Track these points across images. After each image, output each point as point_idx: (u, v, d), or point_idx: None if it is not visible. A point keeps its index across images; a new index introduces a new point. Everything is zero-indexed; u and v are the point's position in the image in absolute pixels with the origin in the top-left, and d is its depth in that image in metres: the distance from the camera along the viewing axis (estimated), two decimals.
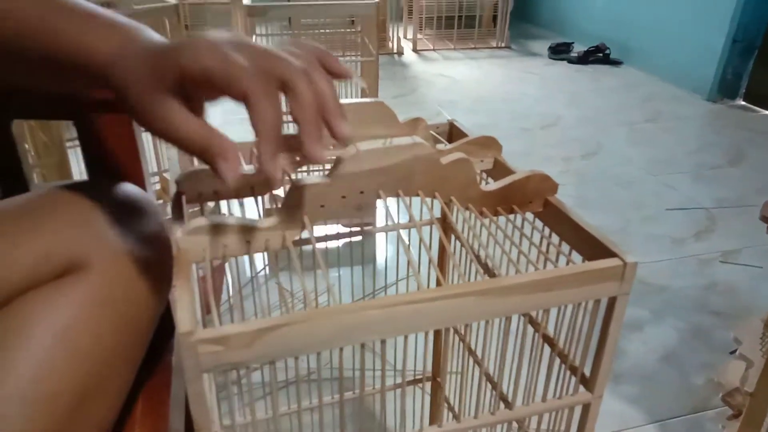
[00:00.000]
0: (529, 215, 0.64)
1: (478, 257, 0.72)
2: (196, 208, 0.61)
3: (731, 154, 2.60)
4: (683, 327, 1.53)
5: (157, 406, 0.60)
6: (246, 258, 0.55)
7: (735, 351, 1.15)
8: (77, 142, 0.62)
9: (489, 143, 0.71)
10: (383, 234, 0.86)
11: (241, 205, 0.64)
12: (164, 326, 0.61)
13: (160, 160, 1.73)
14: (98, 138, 0.62)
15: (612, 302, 0.55)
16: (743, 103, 3.24)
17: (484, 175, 0.73)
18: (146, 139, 1.60)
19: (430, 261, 0.58)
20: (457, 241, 0.82)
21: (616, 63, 4.04)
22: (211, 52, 0.40)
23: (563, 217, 0.60)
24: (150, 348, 0.57)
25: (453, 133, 0.79)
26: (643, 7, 3.85)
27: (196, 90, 0.42)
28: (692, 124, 2.98)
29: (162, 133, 0.41)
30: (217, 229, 0.53)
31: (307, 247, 0.65)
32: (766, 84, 3.14)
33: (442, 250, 0.88)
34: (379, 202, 0.58)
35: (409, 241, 0.58)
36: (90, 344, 0.50)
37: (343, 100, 0.61)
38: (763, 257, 1.83)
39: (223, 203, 0.65)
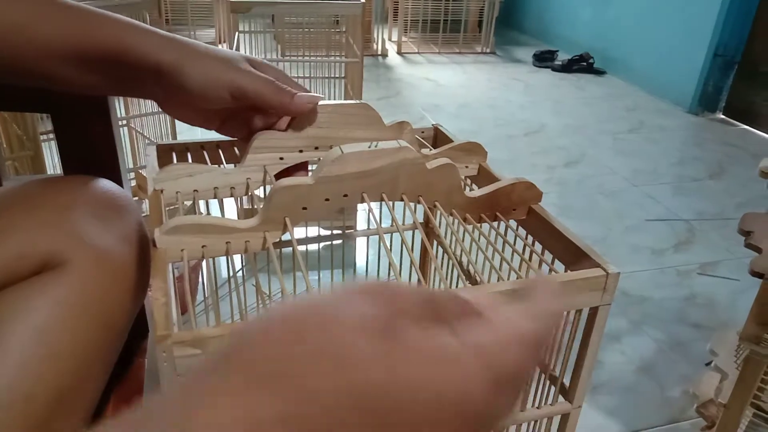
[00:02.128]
0: (513, 223, 0.63)
1: (460, 263, 0.72)
2: (174, 206, 0.60)
3: (711, 168, 2.63)
4: (662, 338, 1.54)
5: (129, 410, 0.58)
6: (223, 257, 0.54)
7: (711, 363, 1.16)
8: (52, 135, 0.61)
9: (474, 149, 0.70)
10: (364, 237, 0.85)
11: (221, 204, 0.63)
12: (137, 327, 0.60)
13: (136, 156, 1.69)
14: (75, 131, 0.60)
15: (593, 312, 0.54)
16: (723, 116, 3.29)
17: (469, 182, 0.73)
18: (123, 133, 1.57)
19: (412, 264, 0.58)
20: (440, 247, 0.81)
21: (599, 72, 4.07)
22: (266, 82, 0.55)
23: (547, 226, 0.60)
24: (122, 349, 0.56)
25: (438, 137, 0.79)
26: (627, 19, 3.88)
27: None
28: (674, 136, 3.02)
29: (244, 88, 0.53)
30: (196, 228, 0.51)
31: (286, 249, 0.64)
32: (745, 98, 3.18)
33: (425, 255, 0.88)
34: (362, 206, 0.57)
35: (391, 245, 0.57)
36: (66, 344, 0.48)
37: (327, 101, 0.61)
38: (741, 270, 1.85)
39: (202, 202, 0.64)
